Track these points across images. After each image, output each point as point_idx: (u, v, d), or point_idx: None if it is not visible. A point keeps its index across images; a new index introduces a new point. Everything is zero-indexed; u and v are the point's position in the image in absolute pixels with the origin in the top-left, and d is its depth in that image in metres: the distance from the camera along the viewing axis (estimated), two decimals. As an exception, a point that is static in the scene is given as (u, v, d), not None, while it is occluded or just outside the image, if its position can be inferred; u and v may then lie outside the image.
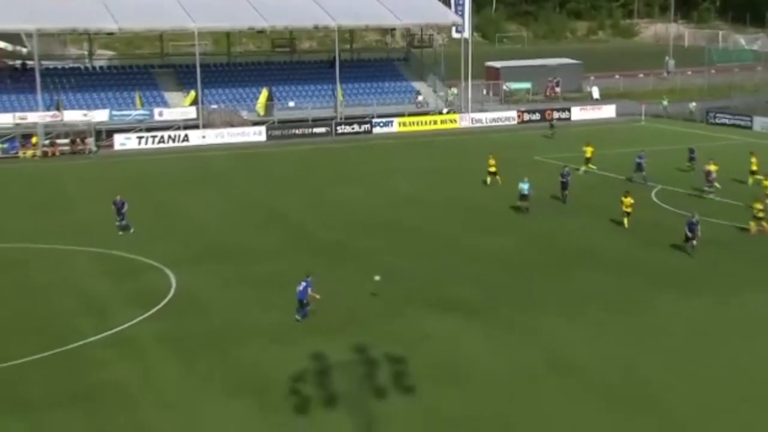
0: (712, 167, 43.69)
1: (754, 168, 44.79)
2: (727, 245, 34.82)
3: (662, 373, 23.23)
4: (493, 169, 46.54)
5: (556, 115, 74.15)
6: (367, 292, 29.53)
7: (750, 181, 44.85)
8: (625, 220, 37.32)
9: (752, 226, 36.11)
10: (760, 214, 35.88)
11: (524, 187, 40.31)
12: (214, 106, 68.26)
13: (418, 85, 77.28)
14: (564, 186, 42.10)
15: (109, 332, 26.66)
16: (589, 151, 50.13)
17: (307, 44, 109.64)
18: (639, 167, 46.21)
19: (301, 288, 27.20)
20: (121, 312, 28.33)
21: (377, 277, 29.06)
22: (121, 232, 37.96)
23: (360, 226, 39.16)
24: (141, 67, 73.91)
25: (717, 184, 43.28)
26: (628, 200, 37.16)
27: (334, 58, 71.87)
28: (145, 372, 23.97)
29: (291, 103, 71.12)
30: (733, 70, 75.42)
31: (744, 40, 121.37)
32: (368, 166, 53.97)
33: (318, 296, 27.21)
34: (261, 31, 75.26)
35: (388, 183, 48.43)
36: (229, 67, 75.10)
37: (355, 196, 44.57)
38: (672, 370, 23.42)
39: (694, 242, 33.06)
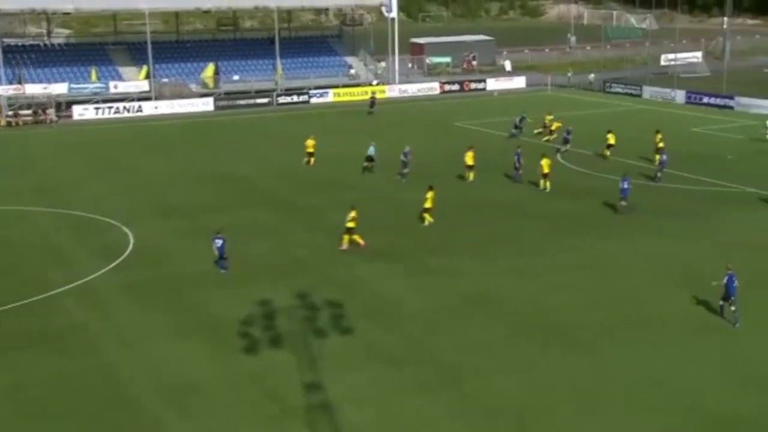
0: (611, 139, 43.40)
1: (660, 145, 42.16)
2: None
3: (564, 301, 23.86)
4: (310, 150, 42.69)
5: (474, 85, 74.28)
6: (313, 242, 29.34)
7: (656, 159, 43.38)
8: (542, 182, 36.91)
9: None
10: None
11: (371, 149, 40.27)
12: (165, 80, 66.65)
13: (350, 59, 76.43)
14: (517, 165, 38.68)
15: (75, 283, 25.99)
16: (612, 138, 43.36)
17: (249, 23, 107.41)
18: (566, 141, 44.17)
19: (219, 244, 26.52)
20: (85, 265, 27.65)
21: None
22: None
23: (303, 185, 38.86)
24: (96, 45, 71.77)
25: (607, 153, 42.90)
26: (546, 161, 36.87)
27: (274, 35, 70.60)
28: (108, 317, 23.54)
29: (236, 77, 69.72)
30: (625, 46, 76.36)
31: (634, 19, 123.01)
32: (307, 132, 53.38)
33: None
34: (207, 11, 73.39)
35: (326, 145, 48.03)
36: (178, 44, 73.22)
37: (296, 158, 44.11)
38: (572, 298, 24.05)
39: (624, 203, 33.01)
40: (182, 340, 21.88)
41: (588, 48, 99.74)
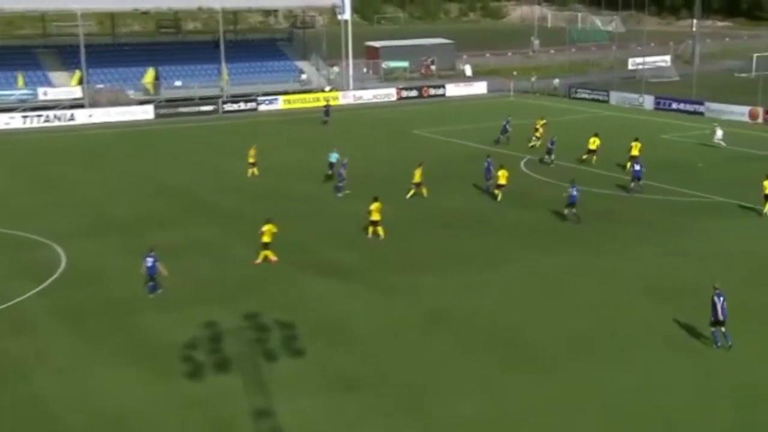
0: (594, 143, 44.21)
1: (634, 153, 42.02)
2: (588, 208, 36.04)
3: (527, 318, 24.20)
4: (252, 160, 42.68)
5: (432, 91, 74.91)
6: (255, 259, 29.30)
7: (589, 158, 44.27)
8: (497, 192, 37.53)
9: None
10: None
11: (332, 156, 40.77)
12: (101, 86, 65.96)
13: (301, 64, 76.61)
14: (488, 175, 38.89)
15: (1, 307, 25.50)
16: (595, 142, 44.80)
17: (192, 25, 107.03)
18: (549, 152, 44.43)
19: (149, 264, 26.11)
20: (12, 286, 27.15)
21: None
22: None
23: (250, 197, 38.73)
24: (23, 48, 70.73)
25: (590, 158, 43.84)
26: (503, 173, 37.55)
27: (219, 38, 70.45)
28: (38, 343, 23.11)
29: (177, 83, 69.42)
30: (590, 49, 77.88)
31: (600, 21, 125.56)
32: (255, 141, 53.25)
33: (166, 272, 26.34)
34: (145, 12, 73.11)
35: (274, 155, 47.94)
36: (114, 48, 72.63)
37: (243, 170, 43.90)
38: (536, 315, 24.39)
39: (574, 210, 33.79)
40: (119, 367, 21.60)
41: (552, 51, 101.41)
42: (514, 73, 79.07)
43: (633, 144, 43.15)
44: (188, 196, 39.37)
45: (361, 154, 46.44)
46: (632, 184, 38.66)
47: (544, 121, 51.17)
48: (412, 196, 37.63)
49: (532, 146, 48.87)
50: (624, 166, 42.35)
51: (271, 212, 35.89)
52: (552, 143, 44.91)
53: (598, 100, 68.92)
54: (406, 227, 33.66)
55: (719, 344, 21.76)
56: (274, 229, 29.05)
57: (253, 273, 28.40)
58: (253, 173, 43.00)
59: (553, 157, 44.40)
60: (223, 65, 69.48)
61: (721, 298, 21.69)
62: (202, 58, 72.41)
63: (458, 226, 33.74)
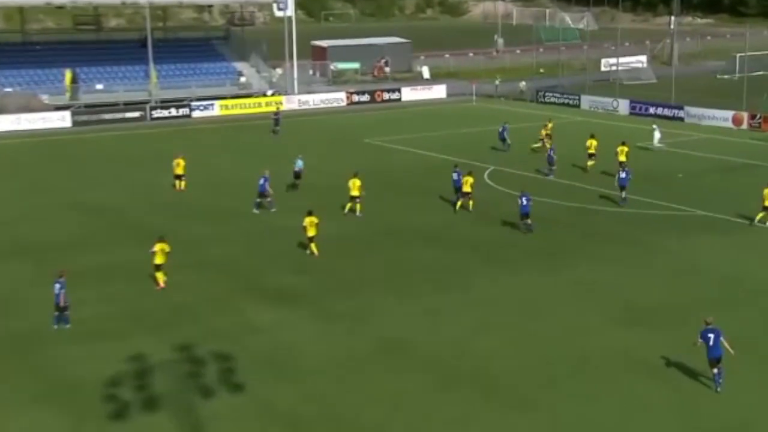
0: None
1: (592, 151, 44.85)
2: (557, 222, 36.51)
3: (494, 345, 24.32)
4: (179, 171, 42.56)
5: (386, 95, 75.32)
6: (195, 283, 29.07)
7: (589, 164, 45.67)
8: (459, 201, 38.36)
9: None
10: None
11: (298, 163, 42.06)
12: (9, 90, 65.10)
13: (239, 65, 76.49)
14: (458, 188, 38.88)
15: None
16: (592, 145, 46.22)
17: (115, 22, 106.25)
18: (550, 161, 44.79)
19: (56, 291, 25.70)
20: None
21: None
22: None
23: (184, 214, 38.52)
24: None
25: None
26: (467, 179, 38.02)
27: (146, 36, 70.03)
28: (-63, 384, 22.57)
29: (99, 86, 68.78)
30: (560, 49, 78.88)
31: (570, 18, 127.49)
32: (188, 151, 52.96)
33: (66, 302, 25.82)
34: (61, 7, 72.33)
35: (211, 167, 47.69)
36: (24, 47, 71.82)
37: (173, 183, 43.59)
38: (503, 342, 24.55)
39: (528, 221, 34.49)
40: (33, 409, 21.22)
41: (518, 52, 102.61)
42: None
43: (619, 149, 43.97)
44: (112, 214, 38.94)
45: (307, 166, 46.37)
46: (623, 194, 39.15)
47: (552, 124, 52.23)
48: (349, 211, 37.73)
49: (534, 150, 50.14)
50: (613, 175, 42.96)
51: (205, 231, 35.80)
52: (553, 151, 45.21)
53: (568, 105, 69.91)
54: (358, 245, 33.73)
55: (718, 389, 21.44)
56: (167, 249, 28.97)
57: (185, 299, 28.18)
58: (180, 186, 42.77)
59: (554, 168, 44.65)
60: (151, 67, 69.05)
61: (711, 335, 21.16)
62: (126, 59, 71.88)
63: (416, 244, 33.92)
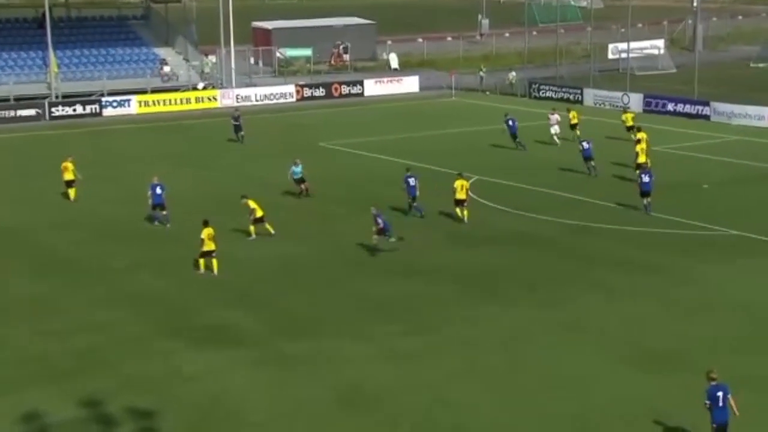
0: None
1: (642, 160, 45.36)
2: (555, 244, 36.83)
3: (475, 397, 24.28)
4: (70, 177, 43.57)
5: (346, 89, 75.59)
6: (109, 322, 28.98)
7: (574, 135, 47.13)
8: (458, 211, 39.12)
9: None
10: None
11: (296, 170, 42.95)
12: None
13: (163, 51, 76.44)
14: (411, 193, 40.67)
15: None
16: (574, 116, 54.15)
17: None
18: (587, 156, 47.07)
19: None
20: None
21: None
22: None
23: (93, 236, 38.50)
24: None
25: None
26: (461, 183, 38.70)
27: (44, 14, 69.76)
28: None
29: (-16, 77, 68.52)
30: (558, 32, 79.56)
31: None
32: (100, 157, 52.81)
33: None
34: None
35: (126, 179, 47.55)
36: None
37: (81, 199, 43.44)
38: (485, 392, 24.56)
39: (648, 200, 36.72)
40: None
41: (507, 35, 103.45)
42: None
43: (639, 148, 44.77)
44: (5, 237, 38.71)
45: (248, 176, 46.43)
46: (645, 202, 40.01)
47: (576, 111, 54.60)
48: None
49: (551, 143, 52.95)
50: (627, 181, 43.63)
51: (121, 256, 35.68)
52: (588, 143, 47.00)
53: (568, 100, 70.42)
54: (311, 273, 33.83)
55: None
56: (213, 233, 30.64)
57: (96, 341, 28.01)
58: (72, 196, 43.21)
59: (593, 164, 46.62)
60: (51, 52, 68.69)
61: (720, 394, 20.87)
62: (18, 43, 71.79)
63: (383, 271, 34.04)
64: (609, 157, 48.17)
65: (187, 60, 76.69)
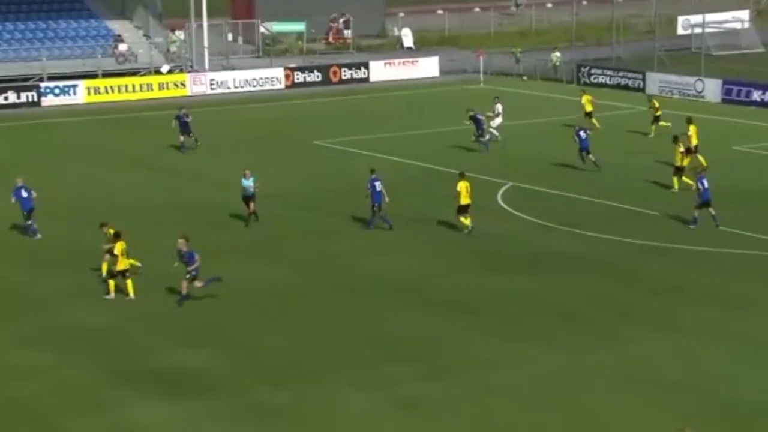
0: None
1: (589, 109, 48.15)
2: (608, 267, 36.74)
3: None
4: None
5: (347, 73, 75.52)
6: (45, 365, 28.91)
7: (691, 184, 45.92)
8: (463, 219, 39.49)
9: None
10: None
11: (248, 184, 41.50)
12: None
13: (117, 25, 76.64)
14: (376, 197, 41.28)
15: None
16: (587, 101, 56.25)
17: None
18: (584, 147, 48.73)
19: None
20: None
21: None
22: None
23: (24, 258, 38.61)
24: None
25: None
26: (465, 185, 38.98)
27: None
28: None
29: None
30: (615, 1, 79.22)
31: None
32: (39, 156, 52.90)
33: None
34: None
35: (68, 186, 47.54)
36: None
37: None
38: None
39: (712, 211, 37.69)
40: None
41: (549, 6, 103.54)
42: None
43: (687, 145, 45.10)
44: None
45: (222, 181, 46.39)
46: (696, 213, 40.00)
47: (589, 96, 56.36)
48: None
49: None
50: (683, 184, 43.62)
51: (59, 283, 35.61)
52: (585, 132, 48.68)
53: (627, 87, 70.51)
54: (298, 303, 33.82)
55: None
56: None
57: (27, 391, 27.94)
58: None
59: (592, 158, 48.30)
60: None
61: None
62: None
63: (386, 301, 33.90)
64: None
65: (147, 36, 76.80)
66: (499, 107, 55.08)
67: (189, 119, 54.79)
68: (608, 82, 71.79)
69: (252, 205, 41.59)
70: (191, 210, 42.70)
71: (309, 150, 54.81)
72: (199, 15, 74.81)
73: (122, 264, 34.16)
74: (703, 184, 39.77)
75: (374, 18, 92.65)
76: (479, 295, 34.53)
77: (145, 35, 76.76)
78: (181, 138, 54.80)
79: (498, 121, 54.61)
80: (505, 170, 49.04)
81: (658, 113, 55.77)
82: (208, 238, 37.98)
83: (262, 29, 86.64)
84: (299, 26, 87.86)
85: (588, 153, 48.34)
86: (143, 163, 52.51)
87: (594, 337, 31.17)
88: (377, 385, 28.11)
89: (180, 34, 77.37)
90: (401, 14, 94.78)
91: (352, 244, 39.15)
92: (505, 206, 44.05)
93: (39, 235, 40.48)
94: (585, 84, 71.73)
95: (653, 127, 55.62)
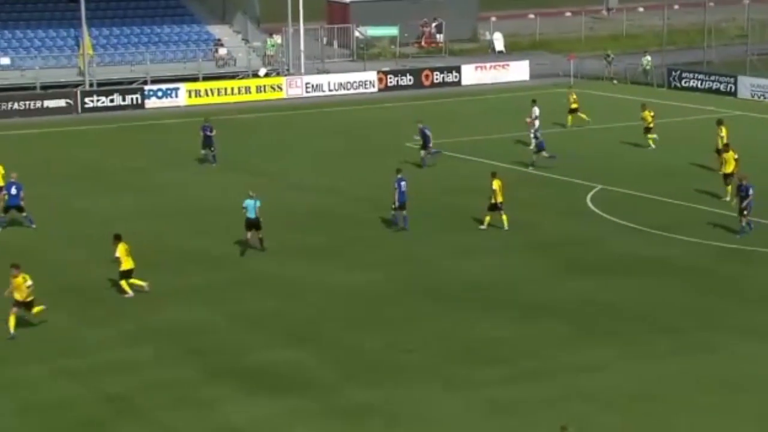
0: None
1: (729, 169, 44.37)
2: (702, 272, 36.27)
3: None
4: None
5: (439, 76, 75.35)
6: (141, 363, 29.04)
7: (727, 191, 45.26)
8: (489, 217, 40.26)
9: None
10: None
11: (250, 205, 38.22)
12: None
13: (218, 30, 77.05)
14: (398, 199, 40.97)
15: None
16: (648, 116, 54.26)
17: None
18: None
19: None
20: None
21: None
22: None
23: (140, 256, 38.73)
24: None
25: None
26: (499, 183, 39.65)
27: (77, -14, 70.79)
28: None
29: (4, 60, 69.42)
30: (707, 5, 78.32)
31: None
32: (138, 162, 53.25)
33: None
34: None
35: (176, 189, 47.87)
36: None
37: (121, 210, 43.82)
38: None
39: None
40: None
41: (640, 10, 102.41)
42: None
43: (725, 156, 43.99)
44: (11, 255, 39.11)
45: (314, 184, 46.46)
46: (743, 222, 39.44)
47: (651, 111, 54.66)
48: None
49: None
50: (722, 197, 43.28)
51: (163, 279, 35.86)
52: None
53: (718, 92, 69.66)
54: (387, 307, 33.83)
55: None
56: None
57: (129, 384, 28.14)
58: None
59: (545, 154, 49.82)
60: (84, 31, 69.38)
61: None
62: (47, 19, 72.82)
63: (476, 305, 33.83)
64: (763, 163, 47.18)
65: (246, 41, 77.15)
66: (536, 111, 54.64)
67: (212, 133, 52.76)
68: (699, 86, 70.98)
69: (254, 232, 38.33)
70: (291, 212, 42.76)
71: (400, 151, 54.64)
72: (296, 20, 74.99)
73: (127, 264, 34.52)
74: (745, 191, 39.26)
75: (466, 22, 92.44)
76: (567, 299, 34.33)
77: (243, 39, 77.18)
78: (203, 151, 52.88)
79: (536, 124, 53.84)
80: (594, 173, 48.64)
81: (574, 105, 58.57)
82: (303, 240, 38.13)
83: (356, 34, 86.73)
84: (393, 31, 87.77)
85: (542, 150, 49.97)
86: (241, 166, 52.54)
87: (686, 342, 30.80)
88: (469, 387, 28.01)
89: (277, 39, 77.59)
90: (493, 19, 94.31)
91: (443, 247, 39.04)
92: (595, 209, 43.71)
93: (34, 226, 41.44)
94: (675, 88, 71.14)
95: (570, 117, 59.13)
